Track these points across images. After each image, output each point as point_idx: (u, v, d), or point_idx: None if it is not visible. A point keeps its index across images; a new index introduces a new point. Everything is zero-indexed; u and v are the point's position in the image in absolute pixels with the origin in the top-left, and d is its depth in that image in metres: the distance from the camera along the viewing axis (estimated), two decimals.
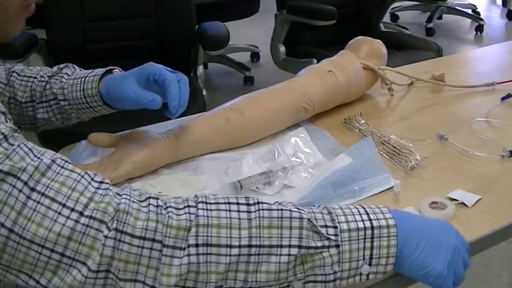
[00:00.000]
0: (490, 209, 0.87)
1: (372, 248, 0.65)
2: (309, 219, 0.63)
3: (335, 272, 0.63)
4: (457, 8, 4.67)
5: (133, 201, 0.61)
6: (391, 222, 0.66)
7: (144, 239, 0.59)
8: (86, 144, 1.02)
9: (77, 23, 2.10)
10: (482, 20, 4.48)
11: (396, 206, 0.89)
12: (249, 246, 0.61)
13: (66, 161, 0.63)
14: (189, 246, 0.59)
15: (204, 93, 2.13)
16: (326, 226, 0.64)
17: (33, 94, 0.98)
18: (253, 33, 4.15)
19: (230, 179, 0.92)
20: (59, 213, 0.58)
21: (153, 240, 0.59)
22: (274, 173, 0.93)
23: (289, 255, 0.61)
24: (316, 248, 0.63)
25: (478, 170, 0.98)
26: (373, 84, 1.27)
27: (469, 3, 4.77)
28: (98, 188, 0.62)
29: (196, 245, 0.59)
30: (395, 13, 4.66)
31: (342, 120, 1.14)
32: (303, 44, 2.62)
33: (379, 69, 1.24)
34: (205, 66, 3.61)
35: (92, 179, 0.63)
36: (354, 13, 2.72)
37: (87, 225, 0.59)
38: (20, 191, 0.58)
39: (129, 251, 0.59)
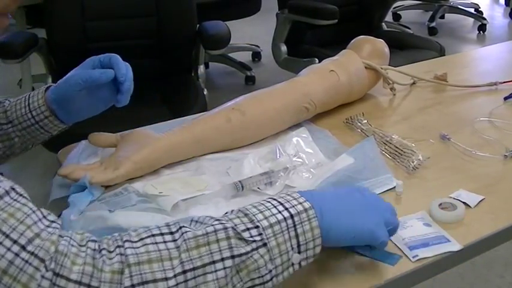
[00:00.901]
0: (492, 210, 0.86)
1: (297, 235, 0.65)
2: (232, 227, 0.63)
3: (270, 271, 0.63)
4: (460, 7, 4.66)
5: (72, 245, 0.59)
6: (307, 205, 0.66)
7: (80, 283, 0.56)
8: (86, 144, 1.01)
9: (77, 22, 2.10)
10: (485, 19, 4.47)
11: (398, 207, 0.88)
12: (184, 272, 0.59)
13: (21, 195, 0.61)
14: None
15: (205, 92, 2.13)
16: (248, 229, 0.63)
17: None
18: (254, 32, 4.15)
19: (231, 179, 0.91)
20: (0, 243, 0.55)
21: (89, 285, 0.56)
22: (275, 173, 0.92)
23: (224, 268, 0.61)
24: (247, 253, 0.62)
25: (481, 170, 0.97)
26: (375, 83, 1.26)
27: (471, 2, 4.76)
28: (47, 226, 0.59)
29: (133, 286, 0.57)
30: (398, 12, 4.65)
31: (344, 120, 1.14)
32: (304, 43, 2.61)
33: (381, 68, 1.23)
34: (207, 66, 3.61)
35: (44, 216, 0.60)
36: (356, 12, 2.71)
37: (27, 261, 0.56)
38: None
39: None
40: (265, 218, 0.64)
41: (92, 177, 0.89)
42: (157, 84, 2.14)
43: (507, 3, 5.13)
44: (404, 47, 2.50)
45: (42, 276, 0.56)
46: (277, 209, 0.65)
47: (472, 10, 4.66)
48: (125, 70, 0.89)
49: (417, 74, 1.34)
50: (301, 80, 1.13)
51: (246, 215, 0.65)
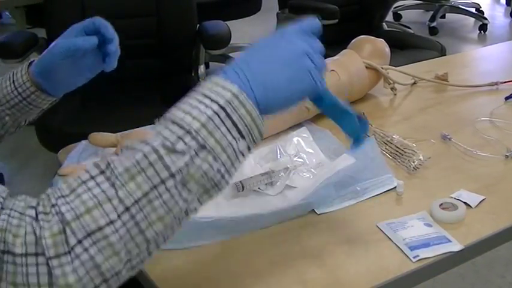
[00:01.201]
0: (493, 210, 0.86)
1: (234, 124, 0.59)
2: (162, 145, 0.57)
3: (218, 170, 0.59)
4: (461, 6, 4.65)
5: (13, 217, 0.56)
6: (235, 89, 0.60)
7: (26, 255, 0.54)
8: (86, 144, 1.01)
9: (77, 21, 2.09)
10: (485, 19, 4.47)
11: (399, 207, 0.88)
12: (127, 209, 0.56)
13: None
14: (72, 247, 0.55)
15: None
16: (179, 138, 0.58)
17: None
18: (255, 32, 4.14)
19: (232, 179, 0.91)
20: None
21: (36, 254, 0.54)
22: (276, 173, 0.92)
23: (168, 189, 0.57)
24: (187, 164, 0.57)
25: (482, 170, 0.97)
26: (376, 83, 1.26)
27: (472, 2, 4.76)
28: None
29: (79, 241, 0.54)
30: (398, 12, 4.65)
31: None
32: None
33: (382, 68, 1.23)
34: (207, 66, 3.60)
35: None
36: (356, 12, 2.71)
37: None
38: None
39: (15, 271, 0.54)
40: (195, 118, 0.58)
41: None
42: (157, 84, 2.13)
43: (508, 3, 5.13)
44: (405, 46, 2.50)
45: None
46: (205, 104, 0.59)
47: (473, 10, 4.66)
48: (112, 34, 0.86)
49: (418, 73, 1.34)
50: None
51: (173, 122, 0.59)
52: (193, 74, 2.25)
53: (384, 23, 2.86)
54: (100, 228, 0.55)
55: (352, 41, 1.27)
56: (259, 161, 0.97)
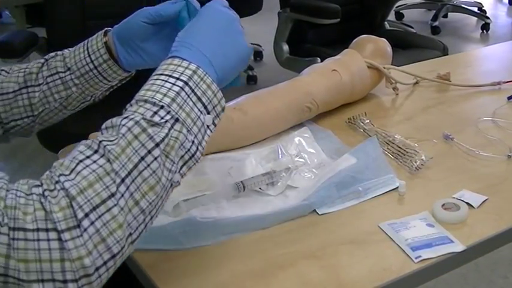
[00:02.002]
0: (496, 210, 0.86)
1: (199, 98, 0.66)
2: (142, 118, 0.62)
3: (193, 141, 0.65)
4: (463, 6, 4.65)
5: (20, 196, 0.58)
6: (193, 66, 0.67)
7: (38, 230, 0.56)
8: None
9: (78, 21, 2.09)
10: (488, 18, 4.46)
11: (401, 207, 0.88)
12: (122, 180, 0.59)
13: None
14: (80, 221, 0.57)
15: None
16: (155, 113, 0.63)
17: (28, 79, 0.88)
18: (256, 31, 4.14)
19: (233, 180, 0.91)
20: None
21: (47, 229, 0.56)
22: (277, 173, 0.92)
23: (155, 158, 0.61)
24: (167, 135, 0.62)
25: (484, 170, 0.97)
26: (378, 83, 1.25)
27: (475, 1, 4.75)
28: None
29: (86, 215, 0.57)
30: (400, 11, 4.64)
31: (346, 120, 1.13)
32: (306, 42, 2.61)
33: (384, 68, 1.22)
34: None
35: None
36: (358, 11, 2.71)
37: None
38: None
39: (26, 248, 0.55)
40: (165, 95, 0.64)
41: None
42: None
43: (511, 2, 5.12)
44: (407, 46, 2.49)
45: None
46: (170, 83, 0.65)
47: (475, 9, 4.65)
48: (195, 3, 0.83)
49: (420, 73, 1.34)
50: (303, 80, 1.12)
51: (145, 101, 0.64)
52: None
53: (385, 22, 2.85)
54: (103, 201, 0.58)
55: (354, 40, 1.27)
56: (260, 161, 0.96)
